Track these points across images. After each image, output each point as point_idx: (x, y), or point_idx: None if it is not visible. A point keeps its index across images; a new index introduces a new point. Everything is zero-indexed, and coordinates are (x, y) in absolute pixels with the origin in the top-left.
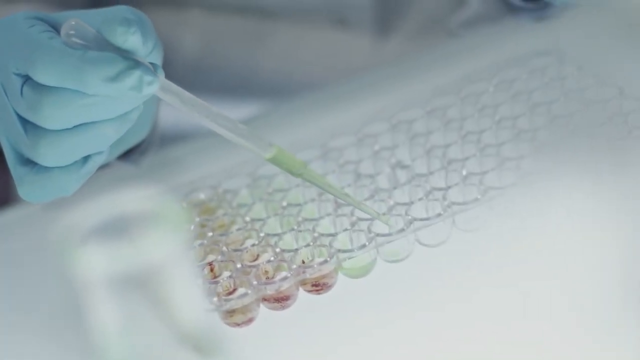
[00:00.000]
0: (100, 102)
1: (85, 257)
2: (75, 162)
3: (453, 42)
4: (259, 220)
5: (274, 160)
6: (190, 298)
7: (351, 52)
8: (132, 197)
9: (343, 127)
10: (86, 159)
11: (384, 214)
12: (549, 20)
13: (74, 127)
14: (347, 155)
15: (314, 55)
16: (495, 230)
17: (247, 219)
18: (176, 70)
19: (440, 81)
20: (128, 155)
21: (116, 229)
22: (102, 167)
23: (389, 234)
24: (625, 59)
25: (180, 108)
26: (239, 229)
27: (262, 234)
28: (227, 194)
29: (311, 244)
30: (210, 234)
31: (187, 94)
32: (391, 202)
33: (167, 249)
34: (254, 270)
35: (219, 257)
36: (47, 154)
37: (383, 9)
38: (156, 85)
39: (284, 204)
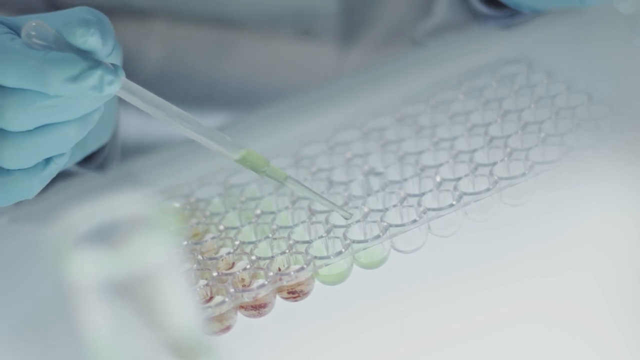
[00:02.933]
0: (62, 103)
1: (76, 262)
2: (37, 164)
3: (421, 51)
4: (233, 228)
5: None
6: (179, 304)
7: (316, 61)
8: (122, 203)
9: (313, 136)
10: (48, 161)
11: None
12: (516, 28)
13: (36, 128)
14: (319, 163)
15: (279, 65)
16: (469, 237)
17: (221, 227)
18: (141, 80)
19: (410, 89)
20: (91, 160)
21: (108, 234)
22: (68, 175)
23: (365, 241)
24: (593, 65)
25: (142, 108)
26: (213, 238)
27: (237, 242)
28: (199, 202)
29: (287, 251)
30: (184, 242)
31: (149, 94)
32: (366, 209)
33: (158, 254)
34: (230, 278)
35: (195, 266)
36: (9, 156)
37: (348, 18)
38: (117, 85)
39: (258, 212)
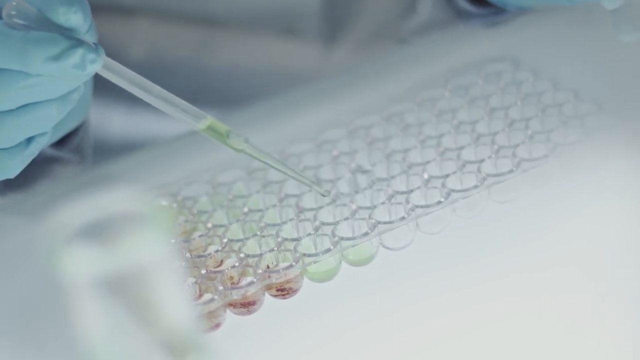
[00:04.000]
0: (43, 82)
1: (67, 259)
2: (19, 143)
3: (405, 49)
4: (221, 226)
5: (210, 133)
6: (171, 301)
7: (299, 60)
8: (116, 199)
9: (300, 134)
10: (30, 140)
11: (333, 202)
12: (501, 26)
13: (18, 108)
14: (306, 161)
15: (262, 64)
16: (457, 234)
17: (209, 225)
18: None
19: (395, 88)
20: (65, 143)
21: (99, 231)
22: (47, 162)
23: (353, 238)
24: (579, 63)
25: (123, 86)
26: (201, 236)
27: (225, 240)
28: (186, 201)
29: (275, 249)
30: (172, 240)
31: (129, 72)
32: (354, 207)
33: (150, 252)
34: (219, 275)
35: (183, 264)
36: None
37: (331, 17)
38: (99, 63)
39: (245, 210)
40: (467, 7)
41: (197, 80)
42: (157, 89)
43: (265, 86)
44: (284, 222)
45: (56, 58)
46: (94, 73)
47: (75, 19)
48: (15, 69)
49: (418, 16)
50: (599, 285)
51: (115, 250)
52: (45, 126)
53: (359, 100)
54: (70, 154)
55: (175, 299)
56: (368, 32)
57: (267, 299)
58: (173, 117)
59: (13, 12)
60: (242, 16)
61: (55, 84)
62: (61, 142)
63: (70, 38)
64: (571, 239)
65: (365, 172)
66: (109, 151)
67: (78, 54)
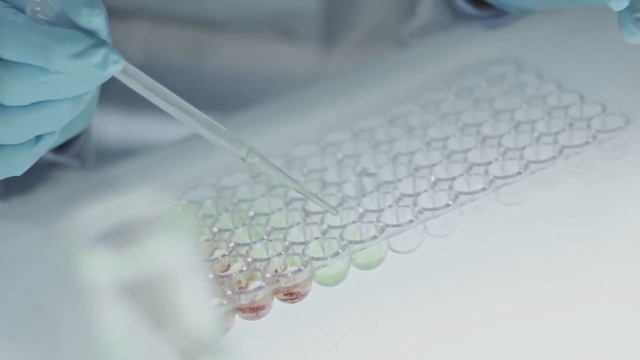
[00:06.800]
0: (62, 80)
1: (89, 263)
2: (28, 140)
3: (406, 51)
4: (227, 230)
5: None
6: (189, 302)
7: (297, 63)
8: (128, 203)
9: (302, 137)
10: (39, 138)
11: (335, 207)
12: (502, 28)
13: (31, 104)
14: (310, 164)
15: (260, 67)
16: (465, 236)
17: (214, 229)
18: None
19: (398, 90)
20: (66, 149)
21: (116, 234)
22: (48, 167)
23: (362, 241)
24: (582, 64)
25: (140, 92)
26: (207, 240)
27: (231, 244)
28: (191, 205)
29: (283, 253)
30: (184, 243)
31: (147, 78)
32: (361, 210)
33: (171, 254)
34: (227, 280)
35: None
36: (2, 130)
37: (329, 19)
38: (121, 64)
39: (251, 214)
40: (467, 9)
41: (195, 83)
42: (174, 97)
43: (264, 89)
44: (291, 226)
45: (78, 56)
46: (112, 75)
47: (98, 21)
48: (35, 64)
49: (417, 18)
50: (606, 290)
51: (130, 253)
52: (56, 125)
53: (361, 103)
54: (72, 159)
55: (190, 301)
56: (367, 35)
57: (276, 303)
58: (186, 124)
59: (38, 8)
60: (240, 19)
61: (72, 83)
62: (63, 147)
63: (94, 38)
64: (579, 241)
65: (371, 175)
66: (108, 155)
67: (101, 53)
